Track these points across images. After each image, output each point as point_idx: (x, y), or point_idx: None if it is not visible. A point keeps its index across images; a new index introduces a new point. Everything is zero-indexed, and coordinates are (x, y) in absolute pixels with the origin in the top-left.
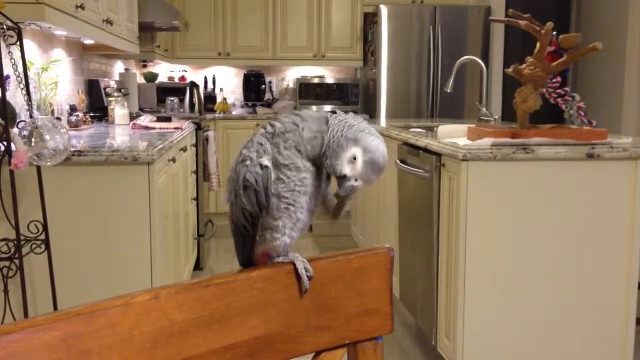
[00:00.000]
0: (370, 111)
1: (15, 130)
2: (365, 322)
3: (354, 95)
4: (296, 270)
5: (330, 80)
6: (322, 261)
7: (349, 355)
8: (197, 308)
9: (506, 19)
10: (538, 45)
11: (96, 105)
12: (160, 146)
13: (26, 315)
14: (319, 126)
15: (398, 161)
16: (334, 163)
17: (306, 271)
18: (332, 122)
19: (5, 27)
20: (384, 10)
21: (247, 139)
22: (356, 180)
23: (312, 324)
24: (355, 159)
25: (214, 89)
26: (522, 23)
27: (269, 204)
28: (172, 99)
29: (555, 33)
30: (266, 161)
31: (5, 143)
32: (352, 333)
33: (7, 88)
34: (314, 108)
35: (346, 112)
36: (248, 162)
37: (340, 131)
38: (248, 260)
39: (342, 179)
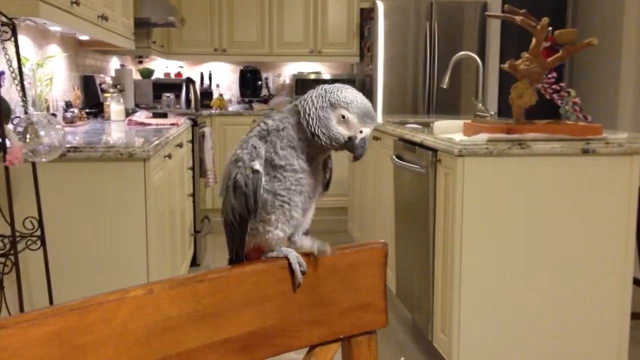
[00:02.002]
0: None
1: (9, 126)
2: (360, 316)
3: None
4: (290, 264)
5: (326, 75)
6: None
7: (343, 349)
8: (191, 302)
9: (502, 15)
10: (534, 40)
11: (91, 101)
12: (156, 142)
13: (22, 311)
14: (295, 116)
15: (394, 156)
16: (330, 136)
17: (300, 266)
18: (301, 107)
19: None
20: (380, 6)
21: (244, 137)
22: (360, 131)
23: (306, 318)
24: (343, 117)
25: (210, 84)
26: (518, 18)
27: (257, 208)
28: (167, 94)
29: (550, 28)
30: (257, 165)
31: None
32: (347, 327)
33: (2, 84)
34: None
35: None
36: (240, 164)
37: (312, 107)
38: (236, 258)
39: (348, 142)
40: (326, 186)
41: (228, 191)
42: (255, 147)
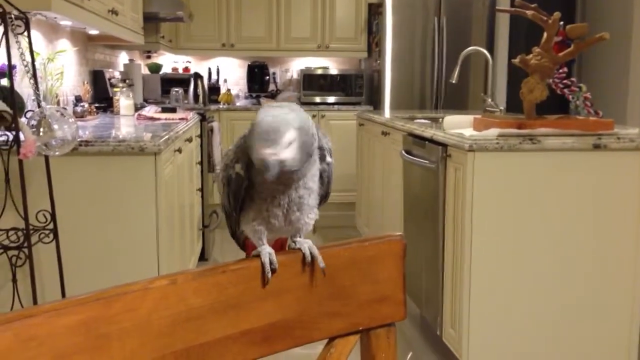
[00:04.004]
0: (374, 102)
1: (23, 120)
2: (378, 308)
3: (358, 87)
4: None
5: (334, 71)
6: (336, 248)
7: (361, 341)
8: (214, 293)
9: (513, 9)
10: (545, 35)
11: (101, 95)
12: (166, 136)
13: (35, 303)
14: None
15: (403, 152)
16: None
17: (270, 264)
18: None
19: (12, 16)
20: (389, 1)
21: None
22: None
23: (325, 310)
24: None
25: (218, 79)
26: (529, 13)
27: (237, 205)
28: (176, 89)
29: (562, 23)
30: (239, 168)
31: (13, 132)
32: (366, 319)
33: (14, 78)
34: (317, 99)
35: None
36: (227, 162)
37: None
38: (234, 235)
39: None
40: (323, 199)
41: (224, 183)
42: (239, 147)
